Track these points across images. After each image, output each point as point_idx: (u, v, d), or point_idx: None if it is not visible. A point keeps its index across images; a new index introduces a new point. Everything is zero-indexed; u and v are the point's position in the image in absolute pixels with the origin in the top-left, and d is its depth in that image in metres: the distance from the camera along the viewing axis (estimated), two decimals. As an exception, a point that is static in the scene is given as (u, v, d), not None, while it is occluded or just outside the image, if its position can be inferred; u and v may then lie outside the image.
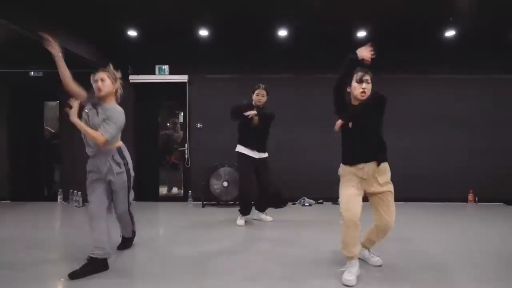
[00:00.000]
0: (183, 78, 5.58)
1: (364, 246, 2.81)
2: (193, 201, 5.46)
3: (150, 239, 3.54)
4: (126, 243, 3.18)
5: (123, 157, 2.76)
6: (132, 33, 4.62)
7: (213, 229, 4.01)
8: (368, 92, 2.52)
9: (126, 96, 5.52)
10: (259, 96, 4.11)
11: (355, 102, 2.59)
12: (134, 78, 5.54)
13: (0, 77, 5.50)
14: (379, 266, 2.77)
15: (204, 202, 5.26)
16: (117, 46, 5.20)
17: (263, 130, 4.13)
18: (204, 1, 3.95)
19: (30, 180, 5.82)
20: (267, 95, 4.13)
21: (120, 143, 2.80)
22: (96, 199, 2.68)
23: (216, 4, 4.03)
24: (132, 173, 2.83)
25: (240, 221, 4.15)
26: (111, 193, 2.76)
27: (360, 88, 2.52)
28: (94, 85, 2.69)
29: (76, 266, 2.59)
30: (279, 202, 5.23)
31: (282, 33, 4.63)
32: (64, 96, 5.63)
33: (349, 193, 2.53)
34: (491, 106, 5.51)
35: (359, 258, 2.61)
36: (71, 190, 5.42)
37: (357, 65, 2.53)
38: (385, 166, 2.55)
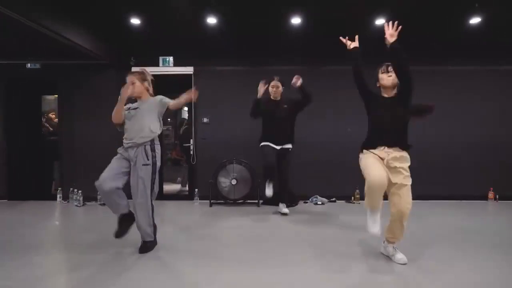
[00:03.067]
0: (189, 70, 5.30)
1: (388, 240, 2.81)
2: (200, 199, 5.19)
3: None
4: (144, 247, 2.99)
5: (153, 149, 2.97)
6: (135, 21, 4.33)
7: (224, 230, 3.75)
8: (395, 80, 2.71)
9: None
10: (274, 88, 4.27)
11: (385, 94, 2.79)
12: (137, 70, 5.26)
13: (-5, 69, 5.21)
14: (404, 264, 2.66)
15: (212, 201, 4.99)
16: (119, 36, 4.92)
17: (287, 120, 4.27)
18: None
19: (28, 178, 5.54)
20: (282, 86, 4.26)
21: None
22: (108, 167, 2.94)
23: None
24: (159, 163, 3.00)
25: (268, 191, 4.24)
26: (128, 173, 2.94)
27: (387, 77, 2.74)
28: (129, 88, 3.01)
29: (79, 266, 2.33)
30: (291, 200, 4.97)
31: (296, 20, 4.33)
32: (63, 90, 5.39)
33: (369, 161, 2.65)
34: (512, 99, 5.26)
35: (383, 254, 2.87)
36: (71, 189, 5.15)
37: (358, 54, 2.91)
38: (406, 155, 2.67)
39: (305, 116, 5.17)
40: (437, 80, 5.27)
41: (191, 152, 5.40)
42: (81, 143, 5.30)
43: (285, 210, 4.38)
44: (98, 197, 5.04)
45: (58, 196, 5.20)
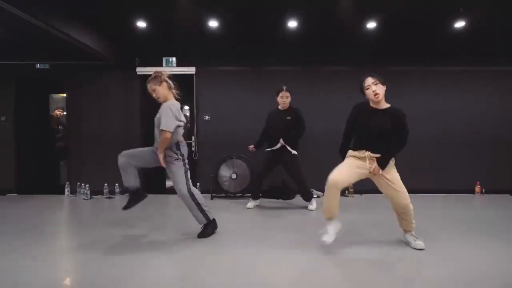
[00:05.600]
0: (191, 70, 5.55)
1: (404, 230, 2.97)
2: (202, 193, 5.41)
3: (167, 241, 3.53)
4: (204, 232, 3.25)
5: (178, 148, 3.12)
6: (141, 24, 4.58)
7: (226, 220, 4.01)
8: (381, 92, 2.78)
9: (132, 88, 5.61)
10: (283, 98, 4.41)
11: (373, 105, 2.86)
12: (141, 70, 5.51)
13: (5, 69, 5.44)
14: (421, 249, 2.84)
15: (213, 194, 5.25)
16: (124, 37, 5.16)
17: (286, 132, 4.39)
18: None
19: (36, 173, 5.78)
20: (290, 95, 4.42)
21: (180, 139, 3.18)
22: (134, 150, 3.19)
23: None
24: (185, 158, 3.17)
25: (249, 204, 4.62)
26: (152, 160, 3.13)
27: (371, 92, 2.77)
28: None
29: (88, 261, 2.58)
30: (287, 194, 5.23)
31: (292, 24, 4.58)
32: (70, 89, 5.60)
33: (345, 162, 2.85)
34: (498, 98, 5.53)
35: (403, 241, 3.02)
36: (78, 183, 5.40)
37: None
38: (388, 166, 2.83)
39: (304, 113, 5.45)
40: (425, 79, 5.55)
41: (193, 149, 5.65)
42: (87, 139, 5.54)
43: (312, 206, 4.54)
44: (105, 191, 5.30)
45: (66, 190, 5.44)
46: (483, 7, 4.14)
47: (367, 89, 2.78)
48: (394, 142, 2.82)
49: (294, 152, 4.44)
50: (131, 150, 3.16)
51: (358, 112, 2.88)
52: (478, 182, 5.51)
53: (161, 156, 3.03)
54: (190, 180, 3.19)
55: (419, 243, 2.88)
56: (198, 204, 3.18)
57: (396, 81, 5.53)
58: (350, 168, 2.81)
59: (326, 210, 2.82)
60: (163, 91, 3.07)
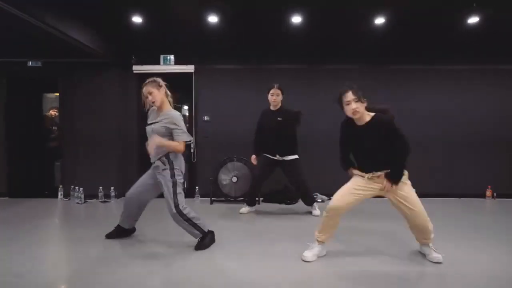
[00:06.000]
0: (190, 68, 5.33)
1: (422, 243, 2.79)
2: (200, 197, 5.22)
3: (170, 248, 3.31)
4: (200, 244, 3.02)
5: (168, 157, 2.91)
6: (137, 19, 4.35)
7: (225, 226, 3.79)
8: (361, 110, 2.56)
9: (129, 87, 5.39)
10: (274, 96, 4.14)
11: (358, 123, 2.65)
12: (137, 69, 5.30)
13: (-4, 67, 5.22)
14: (438, 263, 2.62)
15: (212, 198, 5.02)
16: (120, 34, 4.94)
17: (284, 133, 4.11)
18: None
19: (29, 175, 5.56)
20: (282, 94, 4.16)
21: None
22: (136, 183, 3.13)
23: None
24: (180, 180, 2.94)
25: (242, 209, 4.43)
26: (154, 187, 3.04)
27: (351, 109, 2.57)
28: (146, 100, 2.95)
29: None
30: (290, 198, 5.02)
31: (296, 20, 4.37)
32: (64, 88, 5.38)
33: (348, 186, 2.68)
34: (511, 98, 5.30)
35: (420, 253, 2.83)
36: (72, 186, 5.18)
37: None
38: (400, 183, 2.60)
39: (306, 115, 5.23)
40: (435, 79, 5.33)
41: (192, 150, 5.43)
42: (82, 140, 5.31)
43: (316, 212, 4.31)
44: (99, 194, 5.08)
45: (59, 193, 5.21)
46: (497, 2, 3.93)
47: (347, 104, 2.57)
48: (395, 152, 2.57)
49: (294, 157, 4.19)
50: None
51: (348, 131, 2.73)
52: (489, 186, 5.28)
53: (156, 141, 2.78)
54: (180, 194, 2.93)
55: (437, 256, 2.66)
56: (188, 220, 2.92)
57: (401, 80, 5.34)
58: (355, 191, 2.64)
59: (321, 233, 2.74)
60: (161, 96, 2.91)
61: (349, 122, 2.70)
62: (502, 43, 5.05)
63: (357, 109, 2.54)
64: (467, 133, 5.32)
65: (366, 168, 2.65)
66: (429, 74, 5.32)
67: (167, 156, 2.90)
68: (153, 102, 2.89)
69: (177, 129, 2.85)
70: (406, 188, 2.60)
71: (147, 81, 2.96)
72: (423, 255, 2.78)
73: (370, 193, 2.65)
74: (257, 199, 4.63)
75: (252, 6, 4.14)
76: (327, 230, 2.72)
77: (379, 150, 2.57)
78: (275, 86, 4.13)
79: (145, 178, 3.11)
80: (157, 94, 2.88)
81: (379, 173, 2.60)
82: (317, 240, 2.75)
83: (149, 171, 3.09)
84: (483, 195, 5.29)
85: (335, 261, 2.73)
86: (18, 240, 3.26)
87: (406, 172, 2.64)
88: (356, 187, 2.64)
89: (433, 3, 3.95)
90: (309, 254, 2.70)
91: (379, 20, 4.38)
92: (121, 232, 3.28)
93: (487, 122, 5.30)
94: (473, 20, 4.30)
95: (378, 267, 2.62)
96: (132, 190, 3.13)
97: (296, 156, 4.21)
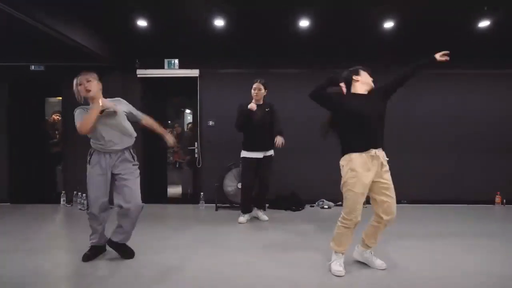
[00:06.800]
0: (194, 72, 5.26)
1: (367, 246, 2.71)
2: (205, 203, 5.13)
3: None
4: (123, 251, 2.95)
5: (135, 153, 3.01)
6: (141, 23, 4.28)
7: (232, 234, 3.70)
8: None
9: (132, 92, 5.33)
10: (256, 91, 4.16)
11: (360, 91, 2.70)
12: (141, 73, 5.23)
13: (-2, 71, 5.14)
14: (383, 270, 2.63)
15: (218, 205, 4.93)
16: (124, 38, 4.87)
17: (267, 126, 4.14)
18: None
19: (31, 181, 5.48)
20: (264, 89, 4.17)
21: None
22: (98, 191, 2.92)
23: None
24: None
25: (241, 218, 4.24)
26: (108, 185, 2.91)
27: (371, 82, 2.74)
28: (79, 89, 2.79)
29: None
30: (296, 204, 4.94)
31: (304, 23, 4.30)
32: (67, 92, 5.29)
33: (359, 193, 2.50)
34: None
35: (360, 262, 2.77)
36: (74, 192, 5.09)
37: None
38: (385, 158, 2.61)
39: (310, 120, 5.15)
40: (444, 83, 5.25)
41: (196, 155, 5.35)
42: (85, 145, 5.20)
43: (265, 217, 4.34)
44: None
45: (61, 199, 5.13)
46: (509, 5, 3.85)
47: (371, 79, 2.77)
48: (405, 70, 2.77)
49: (272, 152, 4.24)
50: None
51: (340, 95, 2.74)
52: (498, 192, 5.19)
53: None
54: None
55: (381, 263, 2.68)
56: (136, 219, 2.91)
57: (408, 84, 5.21)
58: (362, 196, 2.53)
59: (341, 244, 2.62)
60: (98, 87, 2.84)
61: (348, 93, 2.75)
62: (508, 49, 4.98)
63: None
64: (476, 139, 5.23)
65: (366, 143, 2.55)
66: (438, 79, 5.24)
67: (132, 148, 2.95)
68: (88, 91, 2.74)
69: (134, 109, 3.03)
70: (389, 175, 2.58)
71: (85, 71, 2.87)
72: (363, 264, 2.75)
73: (368, 184, 2.53)
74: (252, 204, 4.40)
75: (257, 9, 4.07)
76: (347, 242, 2.63)
77: (381, 121, 2.63)
78: (257, 81, 4.17)
79: (100, 181, 2.89)
80: (96, 85, 2.81)
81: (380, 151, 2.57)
82: (341, 253, 2.65)
83: (97, 171, 2.91)
84: (492, 202, 5.20)
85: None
86: (24, 246, 3.18)
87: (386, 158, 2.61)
88: (363, 191, 2.53)
89: (448, 5, 3.88)
90: (340, 268, 2.58)
91: (388, 24, 4.31)
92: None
93: (496, 128, 5.22)
94: (484, 24, 4.22)
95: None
96: (105, 198, 2.95)
97: (273, 152, 4.24)
